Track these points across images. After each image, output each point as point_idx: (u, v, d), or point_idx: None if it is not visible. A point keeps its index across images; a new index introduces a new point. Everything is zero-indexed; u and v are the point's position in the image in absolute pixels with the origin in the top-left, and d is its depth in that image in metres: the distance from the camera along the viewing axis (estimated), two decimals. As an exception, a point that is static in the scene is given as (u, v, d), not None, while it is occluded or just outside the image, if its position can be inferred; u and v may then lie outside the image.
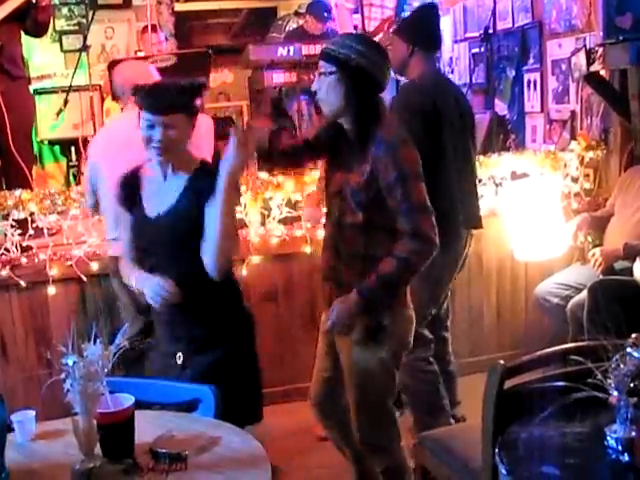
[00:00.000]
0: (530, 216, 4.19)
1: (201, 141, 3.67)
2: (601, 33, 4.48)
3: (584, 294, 3.94)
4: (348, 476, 3.25)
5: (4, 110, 4.53)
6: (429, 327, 3.70)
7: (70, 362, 1.89)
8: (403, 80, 4.04)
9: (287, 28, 7.72)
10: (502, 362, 2.30)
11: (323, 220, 3.30)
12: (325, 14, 6.94)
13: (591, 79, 4.83)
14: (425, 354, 3.67)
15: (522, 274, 4.76)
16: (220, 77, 7.53)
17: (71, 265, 4.09)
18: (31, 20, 4.80)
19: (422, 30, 3.64)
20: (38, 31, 5.02)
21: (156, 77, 3.75)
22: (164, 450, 2.06)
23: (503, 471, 1.93)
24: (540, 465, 1.94)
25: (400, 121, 3.37)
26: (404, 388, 3.63)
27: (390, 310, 2.79)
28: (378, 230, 2.74)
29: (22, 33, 4.92)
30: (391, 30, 4.09)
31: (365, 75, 2.69)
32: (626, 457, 1.91)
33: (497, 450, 2.01)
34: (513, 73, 6.32)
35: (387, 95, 2.91)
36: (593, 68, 4.91)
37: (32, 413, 2.28)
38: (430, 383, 3.70)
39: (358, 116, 2.72)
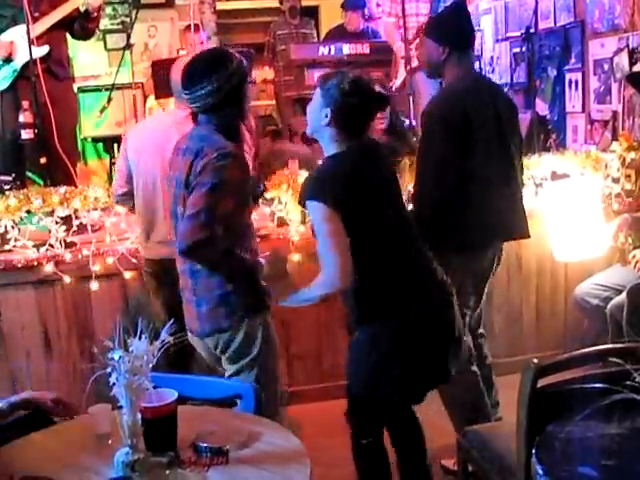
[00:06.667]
0: (570, 217, 4.15)
1: (243, 136, 3.71)
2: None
3: (624, 296, 3.91)
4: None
5: (50, 109, 4.60)
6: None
7: (116, 357, 1.93)
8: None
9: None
10: (536, 361, 2.30)
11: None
12: (359, 9, 6.95)
13: (634, 79, 4.79)
14: None
15: (562, 275, 4.73)
16: (261, 75, 7.57)
17: (113, 261, 4.15)
18: (80, 26, 4.88)
19: (454, 28, 3.43)
20: (85, 36, 5.10)
21: None
22: (206, 444, 2.10)
23: (540, 471, 1.92)
24: (577, 466, 1.93)
25: (431, 133, 3.31)
26: (441, 390, 3.61)
27: None
28: None
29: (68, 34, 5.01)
30: (422, 32, 3.87)
31: None
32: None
33: (534, 450, 2.02)
34: (554, 73, 6.29)
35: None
36: (636, 68, 4.88)
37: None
38: (470, 384, 3.59)
39: None
